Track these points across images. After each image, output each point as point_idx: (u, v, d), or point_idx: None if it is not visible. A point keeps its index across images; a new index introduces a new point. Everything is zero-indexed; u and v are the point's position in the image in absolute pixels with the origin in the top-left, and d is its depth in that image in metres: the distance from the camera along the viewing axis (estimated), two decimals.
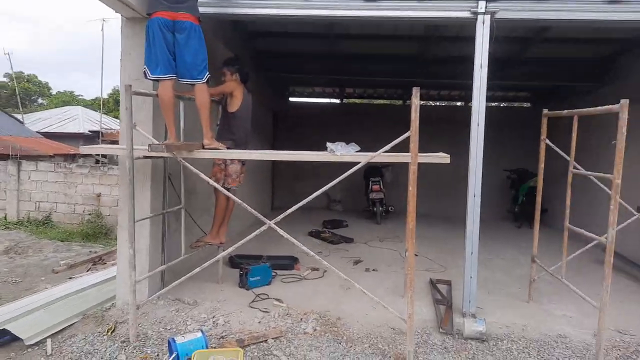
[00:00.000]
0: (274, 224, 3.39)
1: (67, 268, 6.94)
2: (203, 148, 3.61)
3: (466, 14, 4.04)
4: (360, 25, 6.31)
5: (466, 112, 4.27)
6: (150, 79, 3.58)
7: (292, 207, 3.28)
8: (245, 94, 4.49)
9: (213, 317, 3.85)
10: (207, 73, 3.68)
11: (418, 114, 3.04)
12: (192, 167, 3.36)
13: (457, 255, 6.08)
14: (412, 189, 3.11)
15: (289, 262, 5.51)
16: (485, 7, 3.96)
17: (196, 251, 4.63)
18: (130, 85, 3.30)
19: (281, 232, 3.42)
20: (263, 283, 4.71)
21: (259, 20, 4.61)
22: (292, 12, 4.22)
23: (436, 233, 7.87)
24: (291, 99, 11.48)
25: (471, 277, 4.00)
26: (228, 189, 4.44)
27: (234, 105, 4.36)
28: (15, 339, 3.45)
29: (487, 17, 3.97)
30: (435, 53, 7.46)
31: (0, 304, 4.42)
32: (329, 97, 11.86)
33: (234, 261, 5.43)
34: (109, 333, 3.55)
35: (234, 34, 6.73)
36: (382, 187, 8.75)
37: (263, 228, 3.43)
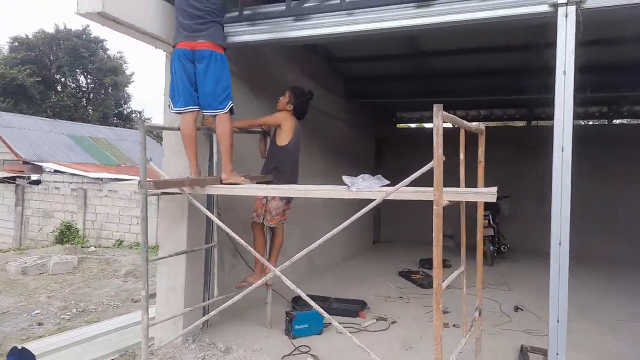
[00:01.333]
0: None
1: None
2: (221, 183, 3.34)
3: (543, 8, 3.16)
4: (436, 37, 5.58)
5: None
6: (172, 112, 3.47)
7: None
8: (297, 126, 4.14)
9: None
10: (230, 102, 3.44)
11: (441, 139, 2.33)
12: (197, 203, 3.10)
13: (582, 310, 4.86)
14: (436, 236, 2.38)
15: (353, 308, 4.91)
16: None
17: (242, 291, 4.35)
18: (144, 120, 3.22)
19: (288, 283, 2.92)
20: (312, 332, 4.21)
21: (306, 41, 4.26)
22: (334, 30, 3.79)
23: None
24: (399, 125, 10.90)
25: (557, 355, 2.97)
26: (268, 227, 4.13)
27: (284, 139, 4.03)
28: None
29: (572, 9, 3.04)
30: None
31: (54, 334, 4.66)
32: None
33: (297, 303, 5.04)
34: None
35: (314, 58, 6.54)
36: (491, 222, 7.54)
37: (269, 275, 2.95)
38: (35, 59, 28.38)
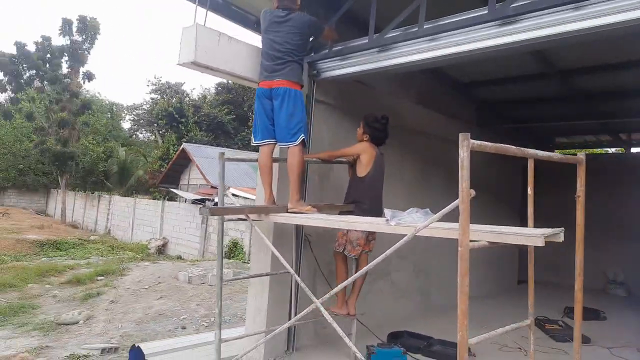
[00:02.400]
0: None
1: None
2: (287, 212, 3.49)
3: None
4: (569, 52, 4.85)
5: None
6: (254, 145, 3.79)
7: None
8: (378, 156, 4.08)
9: None
10: (302, 135, 3.59)
11: (467, 172, 2.07)
12: (259, 230, 3.29)
13: None
14: (461, 281, 2.09)
15: (454, 353, 4.45)
16: None
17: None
18: (223, 153, 3.59)
19: (332, 319, 2.87)
20: None
21: (393, 70, 4.17)
22: (417, 57, 3.70)
23: None
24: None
25: None
26: (350, 257, 4.10)
27: (363, 170, 4.01)
28: None
29: None
30: None
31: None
32: (610, 147, 9.29)
33: (397, 337, 4.85)
34: None
35: (432, 85, 6.31)
36: None
37: (309, 308, 2.95)
38: (232, 100, 33.47)
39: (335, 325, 2.86)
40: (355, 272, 4.19)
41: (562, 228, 2.27)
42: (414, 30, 3.62)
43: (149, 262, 13.14)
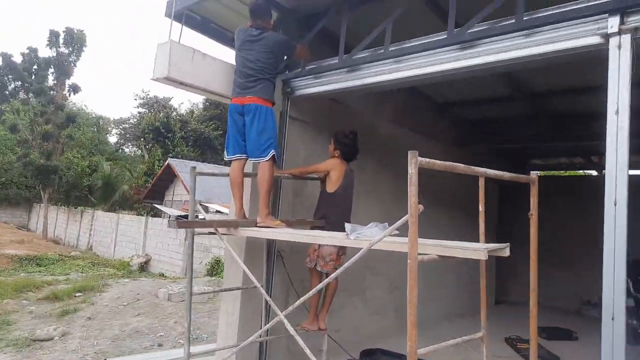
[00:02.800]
0: None
1: None
2: (256, 226, 3.56)
3: (594, 40, 2.72)
4: (537, 74, 5.05)
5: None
6: (225, 160, 3.87)
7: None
8: (348, 172, 4.18)
9: None
10: (272, 151, 3.68)
11: (415, 188, 2.17)
12: (227, 244, 3.35)
13: None
14: (410, 294, 2.17)
15: None
16: (620, 24, 2.57)
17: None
18: (194, 167, 3.66)
19: (295, 332, 2.92)
20: None
21: (360, 90, 4.32)
22: (382, 78, 3.83)
23: None
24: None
25: None
26: (321, 272, 4.15)
27: (332, 185, 4.10)
28: None
29: (626, 38, 2.56)
30: None
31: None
32: (583, 169, 9.54)
33: (369, 355, 4.88)
34: None
35: (409, 104, 6.46)
36: (632, 289, 6.15)
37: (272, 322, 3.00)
38: (220, 115, 33.53)
39: (297, 337, 2.92)
40: (326, 288, 4.26)
41: (507, 243, 2.38)
42: (380, 52, 3.76)
43: (129, 279, 13.01)
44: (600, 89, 5.35)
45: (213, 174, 4.20)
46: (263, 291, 3.30)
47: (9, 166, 28.39)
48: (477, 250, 2.18)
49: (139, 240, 19.28)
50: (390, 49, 3.68)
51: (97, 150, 33.98)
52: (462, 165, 2.33)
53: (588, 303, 8.21)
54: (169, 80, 3.72)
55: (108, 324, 7.93)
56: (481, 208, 2.66)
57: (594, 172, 9.90)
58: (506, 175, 2.71)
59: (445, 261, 2.33)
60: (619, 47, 2.57)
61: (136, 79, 75.53)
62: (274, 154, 3.69)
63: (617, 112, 2.53)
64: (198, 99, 36.99)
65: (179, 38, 3.88)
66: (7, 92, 23.45)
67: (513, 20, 3.02)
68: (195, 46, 3.92)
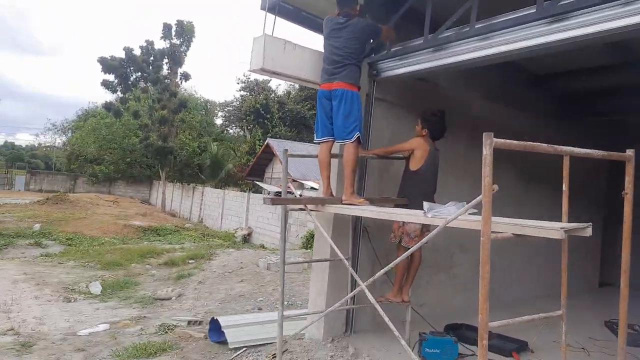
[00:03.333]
0: None
1: None
2: (342, 203, 3.81)
3: None
4: None
5: None
6: (315, 142, 4.16)
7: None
8: (432, 151, 4.26)
9: None
10: (357, 134, 3.88)
11: (489, 168, 2.25)
12: (315, 219, 3.65)
13: None
14: (482, 267, 2.28)
15: (508, 347, 4.52)
16: None
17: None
18: (287, 150, 4.00)
19: (375, 301, 3.15)
20: (444, 358, 4.15)
21: (449, 68, 4.28)
22: (470, 55, 3.82)
23: None
24: None
25: None
26: (407, 248, 4.31)
27: (416, 163, 4.22)
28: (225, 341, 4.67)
29: None
30: None
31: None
32: None
33: (454, 329, 4.98)
34: (272, 358, 4.21)
35: (506, 79, 6.21)
36: None
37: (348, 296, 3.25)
38: (314, 95, 34.16)
39: (377, 306, 3.14)
40: (411, 263, 4.43)
41: (590, 223, 2.35)
42: (466, 30, 3.74)
43: (234, 249, 14.17)
44: None
45: (303, 156, 4.51)
46: (347, 263, 3.56)
47: (133, 148, 32.02)
48: (553, 229, 2.21)
49: (242, 214, 20.78)
50: (476, 27, 3.65)
51: (205, 132, 36.75)
52: (544, 144, 2.33)
53: None
54: (264, 70, 4.07)
55: (216, 287, 8.84)
56: (565, 187, 2.61)
57: None
58: (596, 153, 2.63)
59: (533, 241, 2.36)
60: None
61: (238, 64, 79.55)
62: (359, 136, 3.90)
63: None
64: None
65: (272, 29, 4.21)
66: (130, 82, 26.23)
67: None
68: (287, 33, 4.23)
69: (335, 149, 4.27)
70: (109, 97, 29.51)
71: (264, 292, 8.31)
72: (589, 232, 2.35)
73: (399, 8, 4.42)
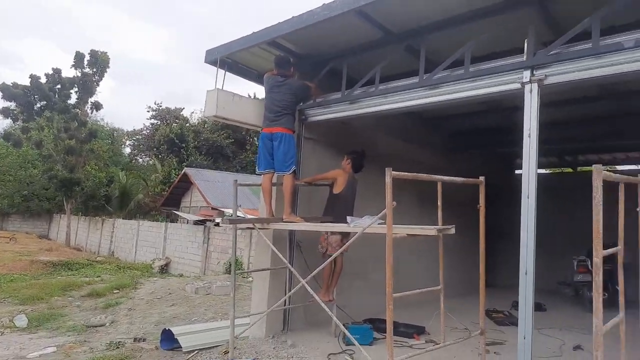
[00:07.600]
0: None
1: None
2: (282, 221, 4.86)
3: (515, 86, 4.00)
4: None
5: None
6: (257, 173, 5.18)
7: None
8: (351, 180, 5.47)
9: (292, 357, 4.81)
10: (293, 167, 4.97)
11: (391, 191, 3.44)
12: (263, 235, 4.65)
13: None
14: (388, 259, 3.44)
15: (410, 331, 5.79)
16: (531, 76, 3.86)
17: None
18: (236, 180, 4.97)
19: (314, 293, 4.18)
20: (362, 342, 5.24)
21: (359, 117, 5.59)
22: (372, 109, 5.12)
23: None
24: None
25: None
26: (330, 256, 5.44)
27: (338, 188, 5.41)
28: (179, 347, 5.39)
29: (535, 86, 3.84)
30: None
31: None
32: (560, 167, 10.81)
33: (371, 322, 6.13)
34: (224, 354, 5.03)
35: (405, 121, 7.72)
36: (590, 268, 7.43)
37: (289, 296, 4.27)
38: (230, 125, 34.93)
39: (316, 296, 4.19)
40: (335, 268, 5.55)
41: (453, 225, 3.63)
42: (372, 89, 5.05)
43: (158, 277, 14.33)
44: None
45: (251, 185, 5.48)
46: (291, 267, 4.59)
47: (31, 180, 30.01)
48: (431, 229, 3.46)
49: (159, 245, 20.65)
50: (379, 88, 4.97)
51: (112, 162, 35.50)
52: (424, 174, 3.60)
53: (563, 283, 9.44)
54: (217, 117, 5.04)
55: (148, 312, 9.24)
56: (439, 202, 3.89)
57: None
58: (458, 180, 3.95)
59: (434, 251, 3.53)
60: (530, 91, 3.84)
61: (147, 91, 77.47)
62: (294, 169, 5.00)
63: (529, 136, 3.79)
64: None
65: (222, 82, 5.21)
66: (34, 111, 25.00)
67: (462, 71, 4.30)
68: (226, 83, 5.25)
69: (274, 179, 5.32)
70: (6, 125, 27.68)
71: (197, 313, 8.91)
72: (452, 231, 3.63)
73: (322, 68, 5.66)
